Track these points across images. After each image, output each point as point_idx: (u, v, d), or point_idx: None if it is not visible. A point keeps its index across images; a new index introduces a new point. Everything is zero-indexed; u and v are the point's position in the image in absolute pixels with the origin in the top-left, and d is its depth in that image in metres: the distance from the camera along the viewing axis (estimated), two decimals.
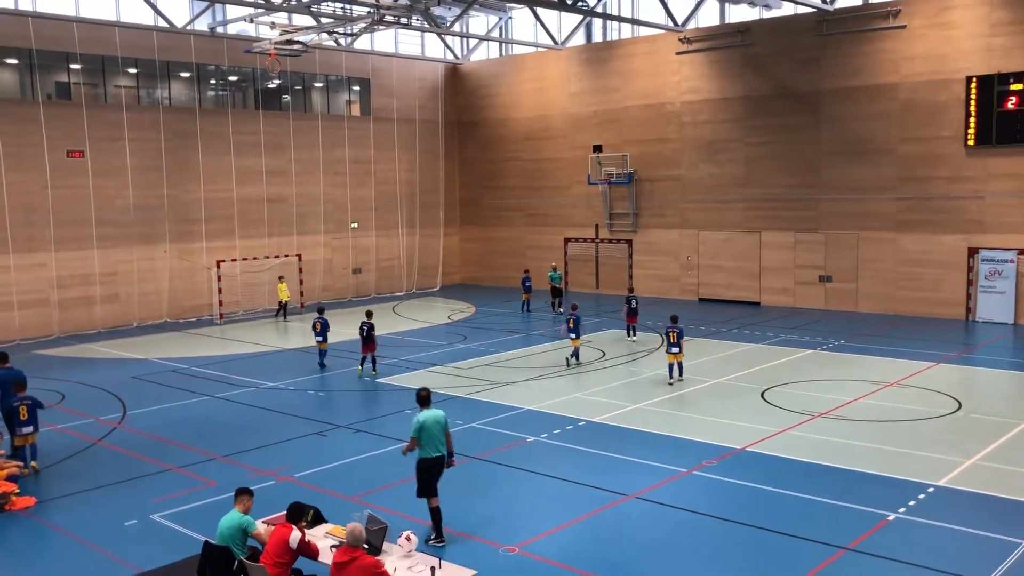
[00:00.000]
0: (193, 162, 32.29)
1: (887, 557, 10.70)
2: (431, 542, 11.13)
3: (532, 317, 31.15)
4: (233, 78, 34.14)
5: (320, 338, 22.94)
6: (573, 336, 22.57)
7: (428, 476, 11.31)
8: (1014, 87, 26.59)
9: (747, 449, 15.15)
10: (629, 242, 36.32)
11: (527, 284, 32.29)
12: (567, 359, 22.68)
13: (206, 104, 33.13)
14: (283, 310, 31.95)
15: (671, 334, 20.23)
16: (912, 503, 12.40)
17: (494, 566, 10.62)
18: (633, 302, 25.64)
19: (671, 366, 20.37)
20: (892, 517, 11.92)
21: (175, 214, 31.89)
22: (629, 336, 25.82)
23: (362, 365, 21.91)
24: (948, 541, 11.20)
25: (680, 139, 34.40)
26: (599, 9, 35.29)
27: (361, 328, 21.90)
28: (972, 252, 28.03)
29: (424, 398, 11.72)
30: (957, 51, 27.81)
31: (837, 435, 15.85)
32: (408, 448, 11.51)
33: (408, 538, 9.30)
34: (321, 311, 23.87)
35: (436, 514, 11.27)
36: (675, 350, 20.21)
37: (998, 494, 12.84)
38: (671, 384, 20.10)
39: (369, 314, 22.57)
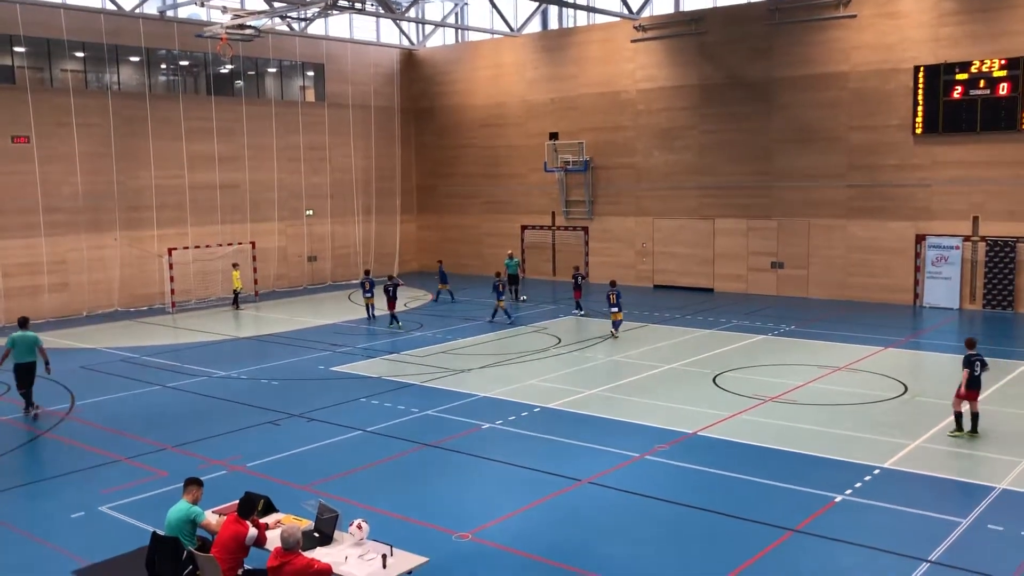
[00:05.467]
0: (143, 148, 31.73)
1: (834, 538, 10.92)
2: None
3: (454, 307, 31.12)
4: (184, 63, 33.58)
5: (369, 295, 27.70)
6: (615, 310, 24.24)
7: (21, 375, 17.35)
8: (959, 76, 27.10)
9: (699, 433, 15.34)
10: (585, 229, 36.46)
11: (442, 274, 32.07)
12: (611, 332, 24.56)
13: (156, 89, 32.55)
14: (236, 298, 31.60)
15: (611, 296, 24.04)
16: (858, 485, 12.66)
17: (447, 553, 10.65)
18: (578, 279, 28.41)
19: (614, 323, 24.16)
20: (839, 499, 12.16)
21: (125, 201, 31.33)
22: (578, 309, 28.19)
23: (394, 320, 26.46)
24: (893, 521, 11.45)
25: (635, 127, 34.57)
26: None
27: (386, 289, 26.59)
28: (920, 239, 28.58)
29: (22, 321, 17.78)
30: (905, 40, 28.27)
31: (786, 419, 16.11)
32: (3, 357, 17.17)
33: (359, 526, 9.28)
34: (368, 272, 28.87)
35: (27, 397, 17.53)
36: (615, 310, 24.00)
37: (940, 475, 13.17)
38: (615, 337, 23.82)
39: (391, 277, 27.97)
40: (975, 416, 14.80)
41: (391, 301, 26.60)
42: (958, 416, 14.93)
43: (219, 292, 32.88)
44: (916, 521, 11.45)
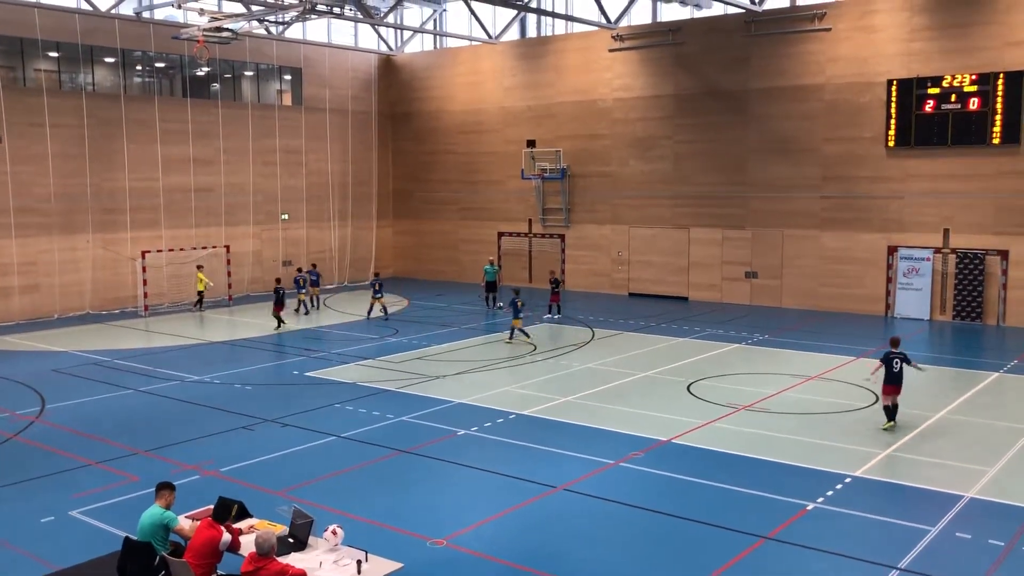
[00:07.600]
0: (118, 150, 31.45)
1: (805, 545, 11.03)
2: None
3: (429, 315, 31.11)
4: (160, 64, 33.35)
5: (303, 291, 30.58)
6: (519, 316, 24.94)
7: None
8: (931, 91, 27.51)
9: (673, 441, 15.43)
10: (562, 237, 36.57)
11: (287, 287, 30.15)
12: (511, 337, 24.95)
13: (132, 91, 32.29)
14: (200, 300, 31.29)
15: (518, 303, 24.64)
16: (830, 493, 12.78)
17: (421, 559, 10.63)
18: (555, 284, 29.16)
19: (514, 330, 24.62)
20: (811, 507, 12.28)
21: (99, 203, 31.03)
22: (550, 313, 28.79)
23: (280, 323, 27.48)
24: (863, 529, 11.58)
25: (612, 135, 34.75)
26: (533, 4, 35.40)
27: (276, 291, 27.67)
28: (892, 250, 28.93)
29: None
30: (879, 54, 28.65)
31: (760, 427, 16.24)
32: None
33: (334, 532, 9.25)
34: (300, 270, 32.07)
35: None
36: (519, 316, 24.64)
37: (910, 483, 13.33)
38: (508, 343, 24.31)
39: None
40: (894, 407, 15.94)
41: (279, 304, 27.44)
42: (887, 409, 15.98)
43: (192, 296, 32.56)
44: (886, 529, 11.58)
